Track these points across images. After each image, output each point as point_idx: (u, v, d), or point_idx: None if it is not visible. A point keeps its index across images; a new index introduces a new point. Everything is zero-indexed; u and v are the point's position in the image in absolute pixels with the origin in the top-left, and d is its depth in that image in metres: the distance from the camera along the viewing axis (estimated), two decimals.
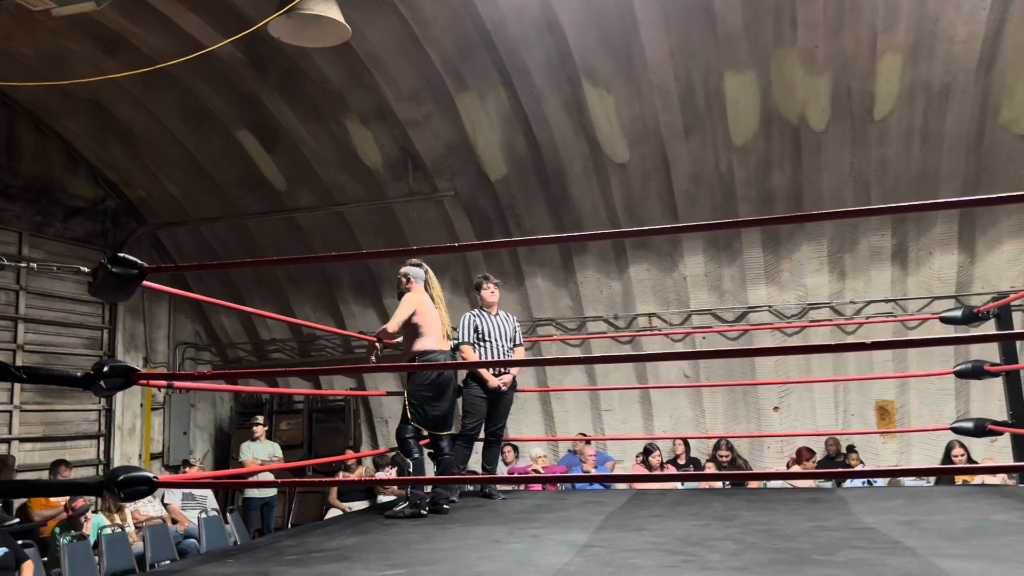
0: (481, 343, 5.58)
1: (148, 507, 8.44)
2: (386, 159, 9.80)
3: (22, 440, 9.63)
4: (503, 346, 5.62)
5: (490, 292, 5.73)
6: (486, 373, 5.47)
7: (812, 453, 8.86)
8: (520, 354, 5.88)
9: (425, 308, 5.03)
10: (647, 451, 8.99)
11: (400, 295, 5.19)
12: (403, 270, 5.20)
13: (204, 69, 8.87)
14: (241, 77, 9.16)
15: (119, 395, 10.62)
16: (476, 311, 5.74)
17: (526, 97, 8.81)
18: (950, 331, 6.72)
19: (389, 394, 7.15)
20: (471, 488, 5.90)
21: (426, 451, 5.24)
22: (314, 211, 10.57)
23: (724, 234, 9.53)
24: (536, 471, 8.79)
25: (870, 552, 3.20)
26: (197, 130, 9.97)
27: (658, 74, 8.40)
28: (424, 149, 9.54)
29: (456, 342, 6.46)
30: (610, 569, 3.03)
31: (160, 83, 9.10)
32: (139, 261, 3.13)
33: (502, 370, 5.56)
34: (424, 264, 5.25)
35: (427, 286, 5.17)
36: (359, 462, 9.90)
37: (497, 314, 5.74)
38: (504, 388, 5.55)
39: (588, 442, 9.39)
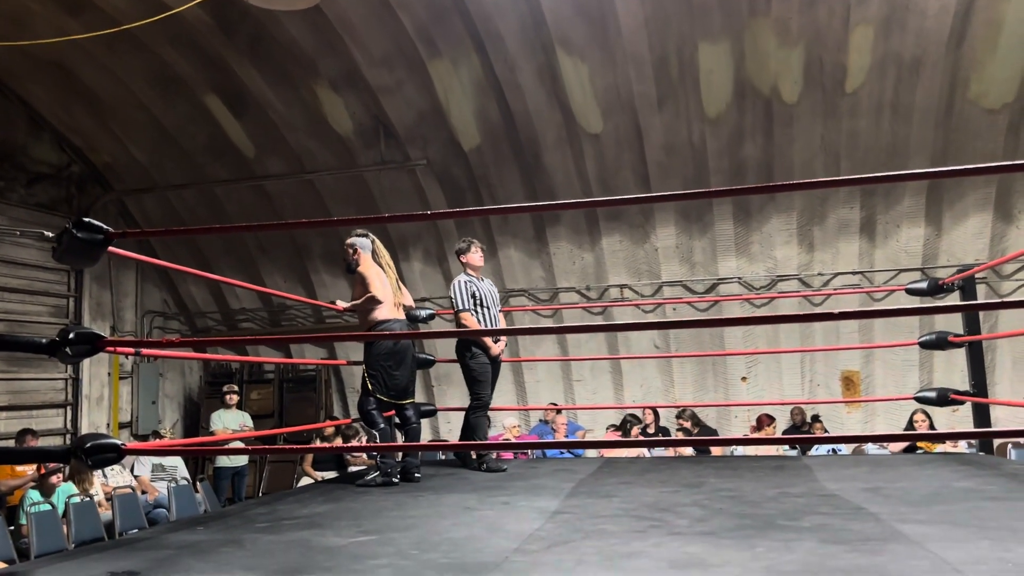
0: (479, 309, 5.37)
1: (117, 478, 8.36)
2: (357, 126, 9.69)
3: None
4: (496, 312, 5.45)
5: (479, 256, 5.53)
6: (489, 341, 5.31)
7: (772, 419, 8.95)
8: (503, 320, 5.75)
9: (380, 278, 5.04)
10: (626, 423, 9.03)
11: (347, 267, 5.17)
12: (349, 241, 5.15)
13: (170, 32, 8.67)
14: (209, 41, 8.97)
15: (86, 364, 10.49)
16: (466, 277, 5.47)
17: (499, 65, 8.73)
18: (916, 303, 6.83)
19: (351, 363, 7.11)
20: (451, 456, 5.91)
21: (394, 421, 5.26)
22: (284, 179, 10.43)
23: (696, 206, 9.57)
24: (508, 440, 8.83)
25: (834, 517, 3.26)
26: (164, 95, 9.78)
27: (632, 43, 8.36)
28: (396, 117, 9.44)
29: (427, 310, 6.43)
30: (580, 534, 3.07)
31: (125, 46, 8.89)
32: (105, 226, 3.08)
33: (499, 337, 5.44)
34: (371, 234, 5.23)
35: (375, 255, 5.15)
36: (336, 431, 9.89)
37: (482, 279, 5.56)
38: (501, 355, 5.43)
39: (559, 412, 9.45)
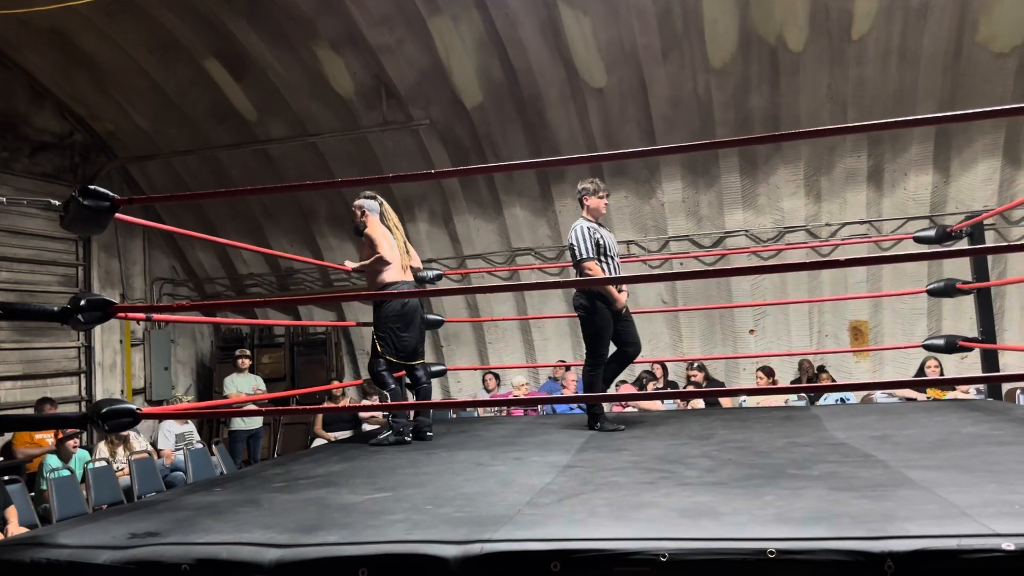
0: (603, 259, 4.91)
1: (134, 444, 8.47)
2: (359, 87, 9.61)
3: (2, 379, 9.60)
4: (618, 263, 5.07)
5: (604, 202, 5.05)
6: (614, 291, 4.87)
7: (769, 374, 8.89)
8: (621, 271, 5.31)
9: (387, 240, 5.04)
10: (641, 379, 9.05)
11: (355, 229, 5.17)
12: (357, 203, 5.16)
13: None
14: (206, 3, 8.87)
15: (98, 332, 10.57)
16: (587, 223, 4.98)
17: (500, 20, 8.62)
18: (924, 251, 6.80)
19: (360, 324, 7.16)
20: (462, 414, 5.95)
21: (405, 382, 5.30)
22: (286, 142, 10.39)
23: (702, 160, 9.51)
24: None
25: (843, 465, 3.29)
26: (164, 60, 9.70)
27: None
28: (397, 76, 9.36)
29: (434, 271, 6.43)
30: (591, 487, 3.11)
31: (123, 11, 8.81)
32: (111, 193, 3.09)
33: (623, 288, 5.02)
34: (378, 196, 5.22)
35: (383, 217, 5.16)
36: (343, 392, 9.99)
37: (602, 225, 5.10)
38: (626, 309, 5.02)
39: (568, 368, 9.50)
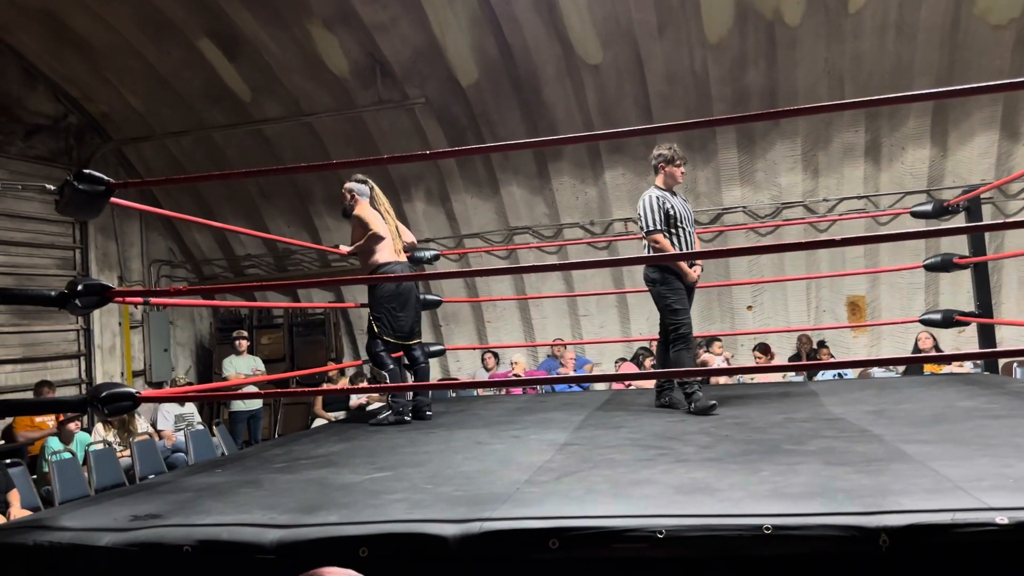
0: (674, 231, 4.69)
1: (139, 427, 8.50)
2: (353, 66, 9.55)
3: (1, 362, 9.61)
4: (692, 232, 4.80)
5: (681, 171, 4.80)
6: (684, 265, 4.66)
7: (765, 352, 8.97)
8: (698, 243, 5.12)
9: (378, 219, 5.04)
10: (639, 356, 9.08)
11: (344, 212, 5.17)
12: (347, 186, 5.14)
13: None
14: None
15: (97, 314, 10.56)
16: (658, 191, 4.75)
17: None
18: (921, 226, 6.81)
19: (359, 305, 7.16)
20: (460, 394, 5.96)
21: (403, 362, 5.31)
22: (282, 122, 10.33)
23: (699, 136, 9.47)
24: (517, 377, 8.93)
25: (839, 440, 3.31)
26: (156, 40, 9.61)
27: None
28: (392, 54, 9.30)
29: (431, 251, 6.42)
30: (589, 464, 3.13)
31: None
32: (106, 177, 3.09)
33: (695, 261, 4.80)
34: (369, 180, 5.21)
35: (373, 201, 5.15)
36: (341, 373, 10.01)
37: (676, 194, 4.84)
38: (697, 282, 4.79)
39: (566, 347, 9.52)
